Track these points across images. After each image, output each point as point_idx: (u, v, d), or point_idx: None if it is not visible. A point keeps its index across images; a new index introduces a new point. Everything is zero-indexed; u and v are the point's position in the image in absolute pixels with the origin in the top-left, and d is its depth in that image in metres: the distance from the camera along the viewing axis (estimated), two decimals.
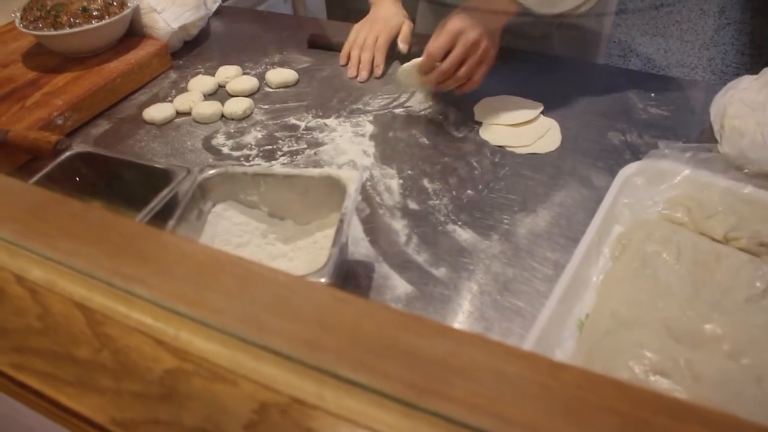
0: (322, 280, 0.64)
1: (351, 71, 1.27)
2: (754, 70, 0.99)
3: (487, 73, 1.08)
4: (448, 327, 0.38)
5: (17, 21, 1.23)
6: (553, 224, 0.87)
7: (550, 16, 1.07)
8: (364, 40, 1.28)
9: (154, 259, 0.43)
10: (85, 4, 1.22)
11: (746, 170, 0.88)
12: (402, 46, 1.27)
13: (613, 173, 0.88)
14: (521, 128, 1.04)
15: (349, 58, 1.30)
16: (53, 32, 1.19)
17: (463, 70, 1.04)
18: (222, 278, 0.42)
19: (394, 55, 1.28)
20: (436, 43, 1.02)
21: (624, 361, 0.63)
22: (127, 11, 1.25)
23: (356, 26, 1.33)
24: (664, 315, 0.67)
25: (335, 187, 0.77)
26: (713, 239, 0.78)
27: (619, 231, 0.81)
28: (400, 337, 0.37)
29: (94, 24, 1.20)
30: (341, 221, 0.70)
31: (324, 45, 1.36)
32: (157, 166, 0.87)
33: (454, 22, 1.02)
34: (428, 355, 0.35)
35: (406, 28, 1.29)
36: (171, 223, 0.73)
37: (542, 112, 1.08)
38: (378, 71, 1.25)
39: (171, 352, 0.37)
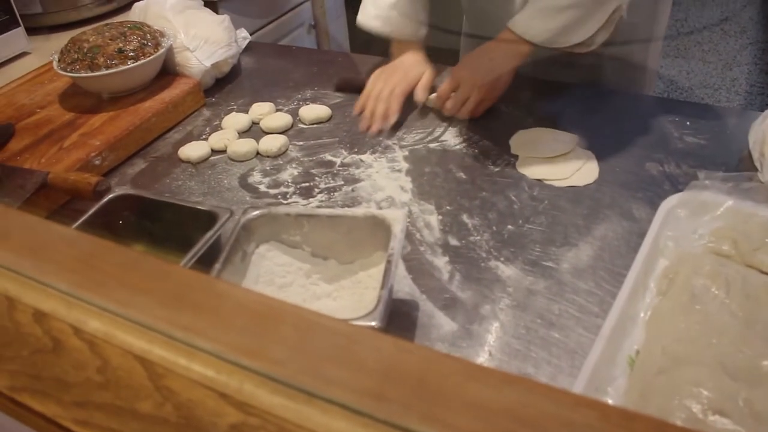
0: (373, 323, 0.64)
1: (363, 124, 1.21)
2: None
3: (488, 107, 1.19)
4: (516, 376, 0.38)
5: (55, 63, 1.25)
6: (596, 258, 0.86)
7: (569, 50, 1.10)
8: (380, 91, 1.22)
9: (211, 309, 0.43)
10: (120, 45, 1.24)
11: None
12: (420, 94, 1.21)
13: (653, 205, 0.88)
14: (557, 161, 1.04)
15: (364, 109, 1.24)
16: (90, 74, 1.21)
17: (463, 110, 1.16)
18: (281, 328, 0.41)
19: (412, 105, 1.24)
20: (443, 88, 1.17)
21: (680, 400, 0.62)
22: (161, 51, 1.27)
23: (374, 74, 1.26)
24: (718, 351, 0.66)
25: (379, 227, 0.77)
26: (762, 272, 0.77)
27: (664, 265, 0.80)
28: (466, 388, 0.36)
29: (130, 65, 1.22)
30: (389, 262, 0.70)
31: (352, 88, 1.33)
32: (200, 207, 0.88)
33: (459, 69, 1.16)
34: (496, 406, 0.35)
35: (426, 78, 1.23)
36: (217, 266, 0.74)
37: (578, 144, 1.08)
38: (391, 120, 1.19)
39: (235, 406, 0.37)
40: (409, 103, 1.21)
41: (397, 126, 1.18)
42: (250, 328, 0.41)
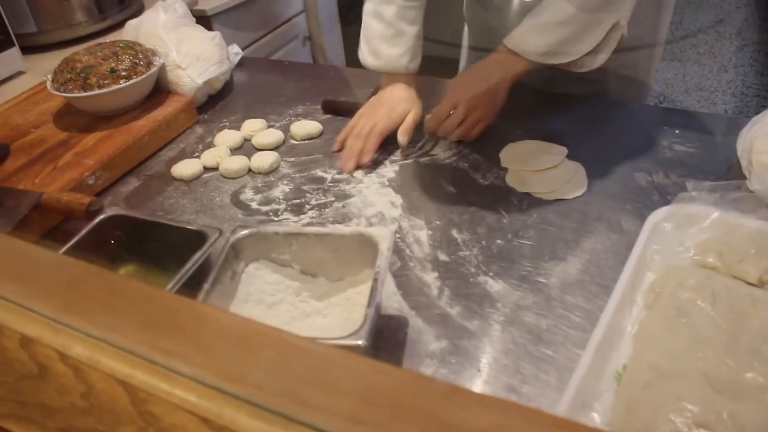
0: (359, 342, 0.64)
1: (340, 163, 1.16)
2: None
3: (485, 128, 1.17)
4: (491, 397, 0.38)
5: (49, 84, 1.27)
6: (584, 272, 0.87)
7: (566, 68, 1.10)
8: (362, 128, 1.17)
9: (193, 333, 0.43)
10: (113, 65, 1.25)
11: None
12: (401, 138, 1.17)
13: (641, 216, 0.88)
14: (546, 173, 1.04)
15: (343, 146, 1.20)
16: (83, 93, 1.22)
17: (458, 131, 1.15)
18: (262, 352, 0.42)
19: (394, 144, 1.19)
20: (439, 108, 1.15)
21: (665, 414, 0.62)
22: (153, 70, 1.28)
23: (361, 110, 1.23)
24: (703, 365, 0.66)
25: (366, 244, 0.78)
26: (747, 283, 0.77)
27: (651, 278, 0.80)
28: (442, 410, 0.36)
29: (122, 84, 1.23)
30: (375, 280, 0.71)
31: (338, 110, 1.32)
32: (189, 227, 0.88)
33: (456, 89, 1.15)
34: (471, 427, 0.35)
35: (411, 117, 1.18)
36: (206, 286, 0.74)
37: (567, 155, 1.08)
38: (365, 159, 1.15)
39: (216, 431, 0.37)
40: (389, 141, 1.19)
41: (373, 164, 1.15)
42: (231, 351, 0.42)
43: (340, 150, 1.20)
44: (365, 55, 1.25)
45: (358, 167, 1.14)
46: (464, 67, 1.47)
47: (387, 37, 1.20)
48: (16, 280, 0.49)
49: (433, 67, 1.29)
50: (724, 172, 1.02)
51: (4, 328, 0.45)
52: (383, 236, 0.76)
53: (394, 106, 1.19)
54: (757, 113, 1.02)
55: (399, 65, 1.22)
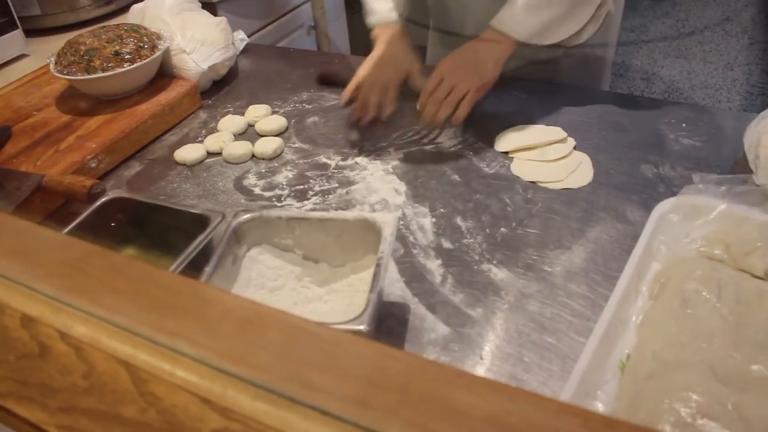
0: (362, 327, 0.64)
1: (357, 111, 1.21)
2: None
3: (472, 104, 1.13)
4: (499, 383, 0.37)
5: (52, 66, 1.26)
6: (589, 261, 0.86)
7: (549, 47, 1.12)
8: (374, 80, 1.19)
9: (197, 315, 0.43)
10: (117, 48, 1.24)
11: None
12: (419, 82, 1.19)
13: (647, 207, 0.88)
14: (553, 163, 1.04)
15: (354, 98, 1.23)
16: (86, 76, 1.21)
17: (446, 103, 1.12)
18: (267, 334, 0.41)
19: (404, 93, 1.21)
20: (426, 86, 1.14)
21: (669, 404, 0.62)
22: (157, 54, 1.27)
23: (364, 65, 1.22)
24: (709, 356, 0.66)
25: (370, 230, 0.77)
26: (754, 276, 0.77)
27: (656, 269, 0.79)
28: (450, 394, 0.36)
29: (126, 67, 1.22)
30: (378, 266, 0.70)
31: (334, 82, 1.35)
32: (192, 211, 0.88)
33: (440, 65, 1.14)
34: (480, 413, 0.35)
35: (416, 69, 1.21)
36: (207, 269, 0.74)
37: (573, 147, 1.08)
38: (388, 110, 1.19)
39: (218, 412, 0.37)
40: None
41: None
42: (235, 333, 0.41)
43: (349, 103, 1.24)
44: (366, 17, 1.29)
45: (375, 120, 1.20)
46: (431, 49, 1.49)
47: None
48: (18, 259, 0.48)
49: None
50: (731, 166, 1.01)
51: (5, 307, 0.45)
52: (387, 222, 0.75)
53: (399, 61, 1.22)
54: (761, 111, 1.01)
55: (390, 17, 1.26)
